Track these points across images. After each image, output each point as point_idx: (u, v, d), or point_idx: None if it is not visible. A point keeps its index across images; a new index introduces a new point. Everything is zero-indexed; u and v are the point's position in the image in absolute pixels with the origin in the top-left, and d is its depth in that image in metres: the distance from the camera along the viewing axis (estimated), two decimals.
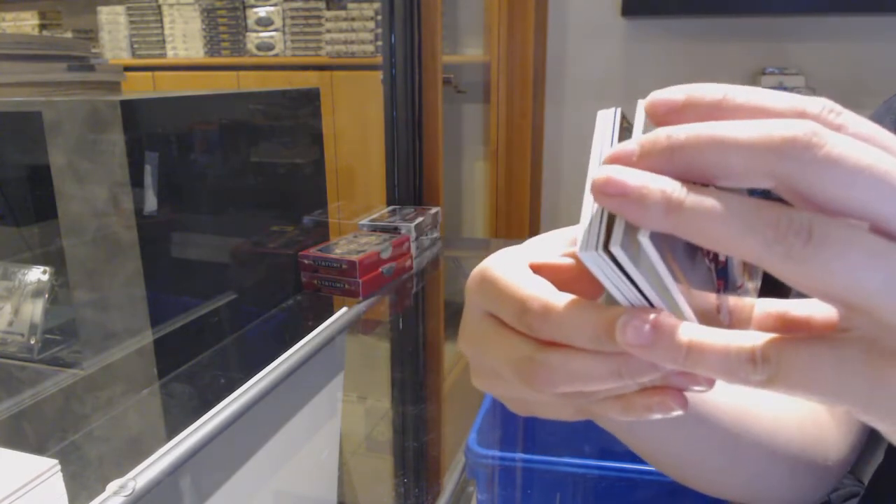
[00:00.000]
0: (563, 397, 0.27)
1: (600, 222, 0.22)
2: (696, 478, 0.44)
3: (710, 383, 0.25)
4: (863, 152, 0.20)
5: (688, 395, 0.40)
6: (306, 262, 1.14)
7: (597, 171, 0.22)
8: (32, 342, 0.86)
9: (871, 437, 0.49)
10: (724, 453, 0.42)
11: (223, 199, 1.00)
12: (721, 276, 0.26)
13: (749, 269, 0.28)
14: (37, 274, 0.88)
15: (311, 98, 1.22)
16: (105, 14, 2.89)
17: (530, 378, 0.26)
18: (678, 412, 0.26)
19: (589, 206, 0.23)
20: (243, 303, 1.03)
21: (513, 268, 0.28)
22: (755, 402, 0.43)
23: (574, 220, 0.24)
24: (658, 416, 0.26)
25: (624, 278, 0.23)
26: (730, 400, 0.41)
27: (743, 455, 0.42)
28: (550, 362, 0.25)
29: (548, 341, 0.26)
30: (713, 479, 0.44)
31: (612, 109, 0.25)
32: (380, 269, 1.16)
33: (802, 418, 0.45)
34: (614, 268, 0.22)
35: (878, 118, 0.53)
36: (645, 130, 0.24)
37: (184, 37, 2.80)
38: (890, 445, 0.51)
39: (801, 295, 0.23)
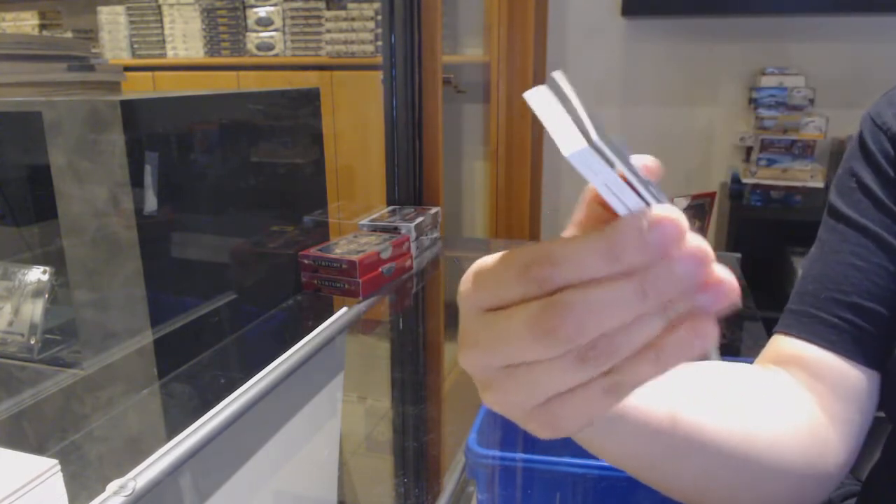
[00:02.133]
0: (587, 362, 0.24)
1: (570, 126, 0.22)
2: (710, 499, 0.46)
3: (736, 290, 0.23)
4: None
5: (689, 427, 0.41)
6: (306, 262, 1.14)
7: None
8: (32, 342, 0.85)
9: (869, 436, 0.49)
10: (739, 475, 0.44)
11: (223, 199, 1.00)
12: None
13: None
14: (37, 274, 0.87)
15: (310, 98, 1.22)
16: (105, 14, 2.89)
17: (551, 327, 0.23)
18: (713, 337, 0.23)
19: (555, 116, 0.22)
20: (243, 303, 1.03)
21: (502, 252, 0.26)
22: (755, 423, 0.45)
23: None
24: (692, 351, 0.23)
25: (617, 177, 0.22)
26: (730, 424, 0.43)
27: (754, 473, 0.44)
28: (567, 300, 0.23)
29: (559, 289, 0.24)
30: (724, 497, 0.46)
31: (535, 89, 0.23)
32: (380, 269, 1.16)
33: (801, 434, 0.46)
34: (602, 162, 0.22)
35: (878, 111, 0.53)
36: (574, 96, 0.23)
37: (184, 37, 2.79)
38: (886, 444, 0.51)
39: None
